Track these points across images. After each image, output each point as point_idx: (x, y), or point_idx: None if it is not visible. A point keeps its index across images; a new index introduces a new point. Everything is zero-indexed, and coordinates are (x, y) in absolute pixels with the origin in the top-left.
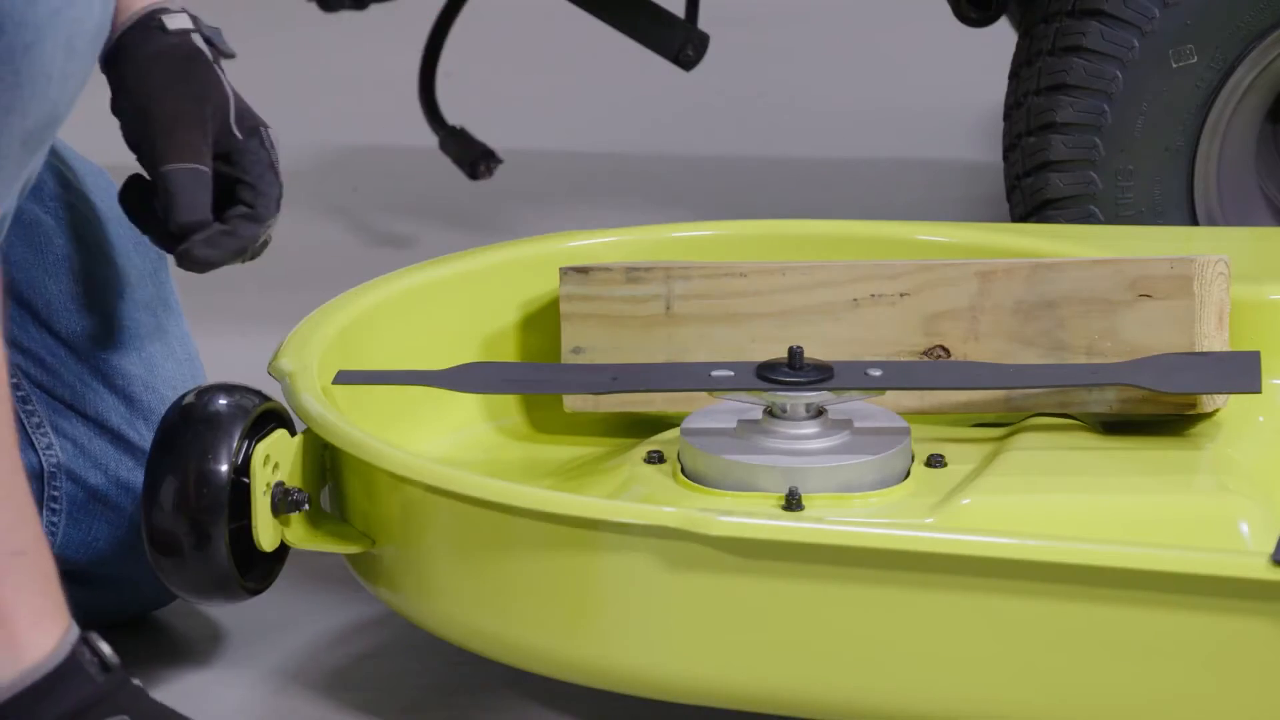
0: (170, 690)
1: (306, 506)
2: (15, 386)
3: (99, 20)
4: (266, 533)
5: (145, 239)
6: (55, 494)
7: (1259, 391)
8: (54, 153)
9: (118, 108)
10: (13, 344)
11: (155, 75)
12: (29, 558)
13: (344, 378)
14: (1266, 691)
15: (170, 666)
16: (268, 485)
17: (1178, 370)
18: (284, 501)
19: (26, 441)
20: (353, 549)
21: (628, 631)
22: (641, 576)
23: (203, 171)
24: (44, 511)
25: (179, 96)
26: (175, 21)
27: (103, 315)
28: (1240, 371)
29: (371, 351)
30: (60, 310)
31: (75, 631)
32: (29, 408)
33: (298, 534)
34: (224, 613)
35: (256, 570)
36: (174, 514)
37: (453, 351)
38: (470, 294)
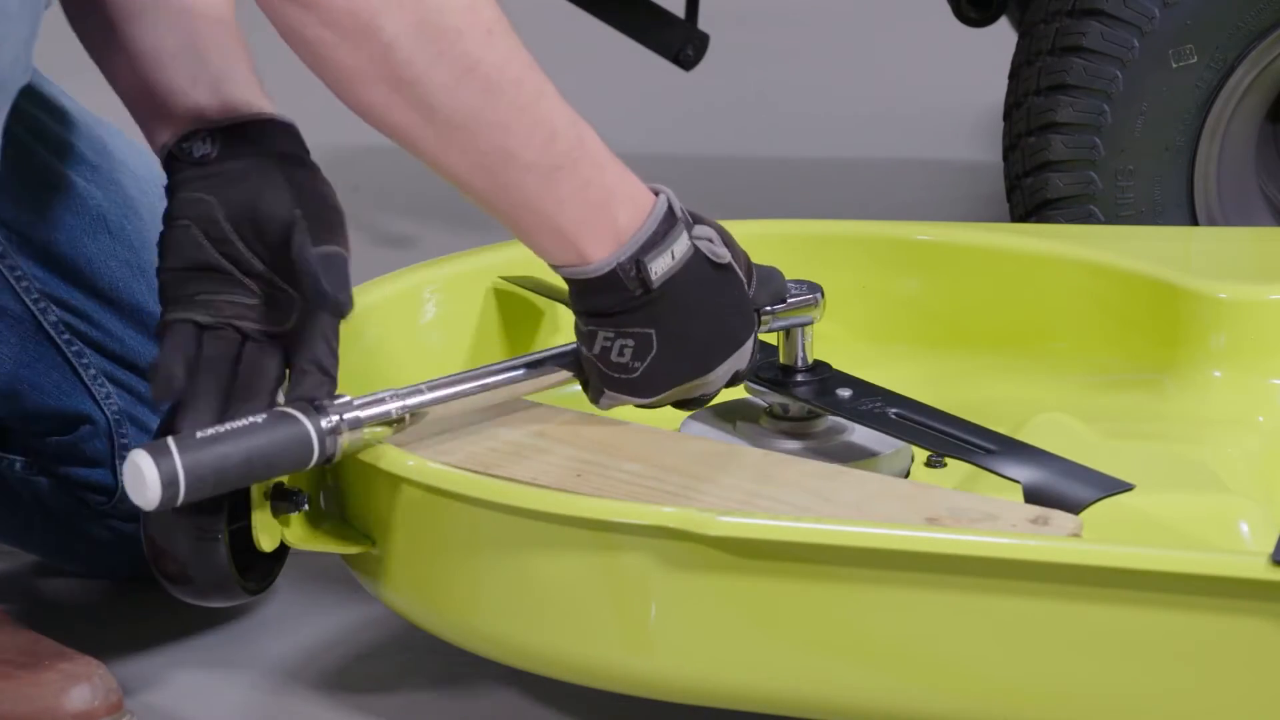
0: (170, 690)
1: (306, 506)
2: (68, 343)
3: None
4: (266, 533)
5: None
6: (124, 441)
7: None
8: (71, 116)
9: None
10: (61, 304)
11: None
12: (563, 174)
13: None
14: (1266, 691)
15: (171, 666)
16: (267, 486)
17: (1059, 476)
18: (284, 502)
19: (87, 394)
20: (353, 549)
21: (627, 631)
22: (641, 576)
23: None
24: (116, 460)
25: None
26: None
27: (140, 269)
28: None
29: (372, 351)
30: (101, 267)
31: (628, 254)
32: (84, 361)
33: (298, 534)
34: (224, 613)
35: (256, 570)
36: (174, 515)
37: (453, 351)
38: (470, 294)
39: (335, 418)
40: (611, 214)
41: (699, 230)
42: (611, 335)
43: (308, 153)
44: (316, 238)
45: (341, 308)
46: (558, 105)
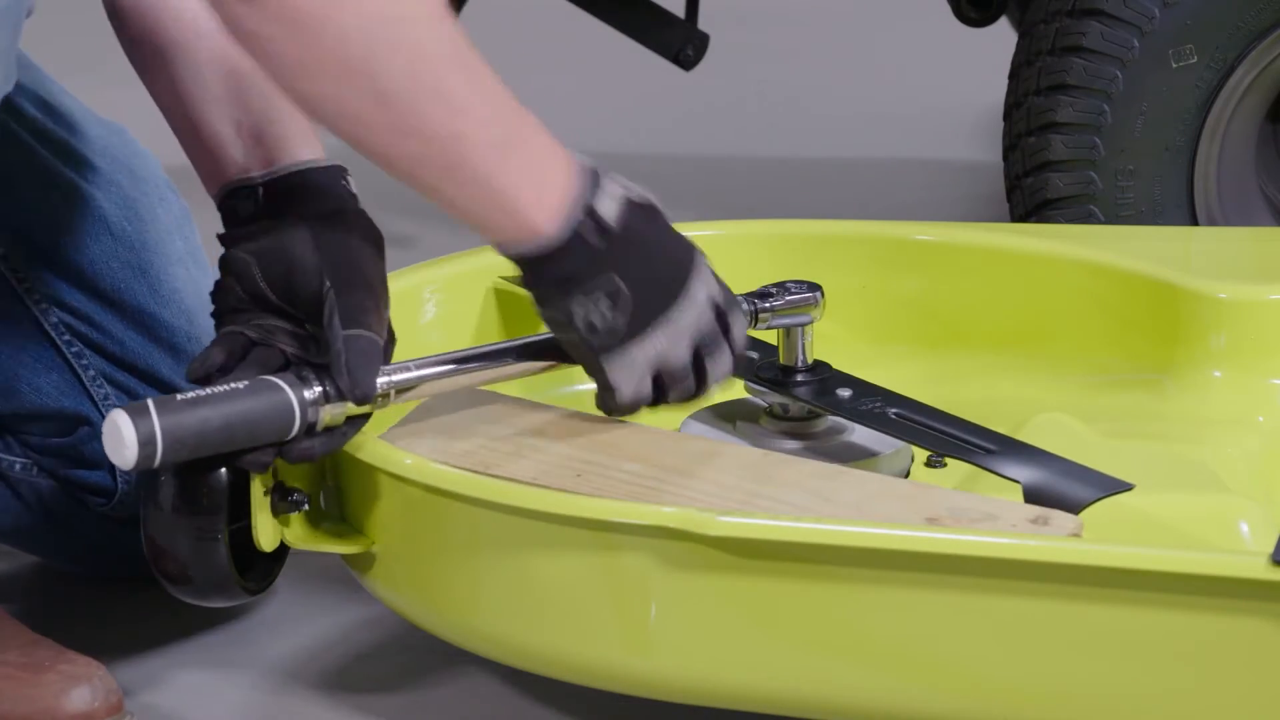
0: (170, 690)
1: (306, 506)
2: (69, 344)
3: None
4: (266, 533)
5: (170, 196)
6: None
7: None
8: (73, 117)
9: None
10: (62, 305)
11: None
12: (512, 147)
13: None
14: (1266, 691)
15: (171, 666)
16: (268, 486)
17: (1058, 476)
18: (284, 502)
19: (86, 396)
20: (353, 549)
21: (627, 631)
22: (641, 576)
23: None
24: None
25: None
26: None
27: (141, 271)
28: (1095, 483)
29: None
30: (103, 270)
31: (579, 209)
32: (84, 362)
33: (298, 534)
34: (224, 613)
35: (256, 570)
36: (174, 515)
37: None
38: (470, 294)
39: (318, 388)
40: (556, 180)
41: (606, 179)
42: (584, 300)
43: (353, 198)
44: (346, 314)
45: (360, 398)
46: (497, 83)
